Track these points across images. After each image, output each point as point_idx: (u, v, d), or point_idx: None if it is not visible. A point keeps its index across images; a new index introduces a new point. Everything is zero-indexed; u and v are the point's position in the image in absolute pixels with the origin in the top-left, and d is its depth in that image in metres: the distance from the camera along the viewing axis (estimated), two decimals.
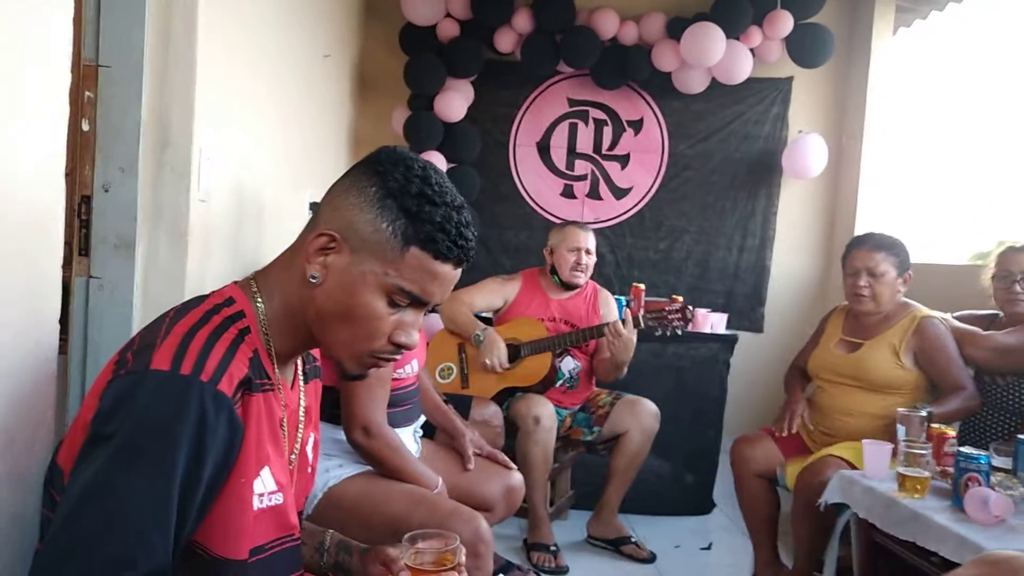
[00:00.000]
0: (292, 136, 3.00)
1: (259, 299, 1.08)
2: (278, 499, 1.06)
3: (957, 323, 2.60)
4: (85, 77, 1.78)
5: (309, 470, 1.24)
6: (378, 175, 1.03)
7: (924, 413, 2.17)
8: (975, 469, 1.84)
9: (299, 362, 1.19)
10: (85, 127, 1.79)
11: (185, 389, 0.92)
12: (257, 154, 2.54)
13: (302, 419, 1.17)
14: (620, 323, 2.87)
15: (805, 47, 4.20)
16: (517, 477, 2.22)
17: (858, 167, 4.47)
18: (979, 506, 1.76)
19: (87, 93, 1.78)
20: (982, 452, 1.88)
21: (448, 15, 4.29)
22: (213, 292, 1.09)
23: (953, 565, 1.65)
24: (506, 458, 2.26)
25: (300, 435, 1.17)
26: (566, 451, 3.21)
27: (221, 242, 2.18)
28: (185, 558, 0.97)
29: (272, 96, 2.67)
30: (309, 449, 1.23)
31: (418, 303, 1.05)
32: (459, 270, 1.07)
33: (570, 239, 3.13)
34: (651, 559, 3.01)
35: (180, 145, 1.91)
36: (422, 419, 2.17)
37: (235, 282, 1.12)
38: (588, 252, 3.14)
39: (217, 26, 2.02)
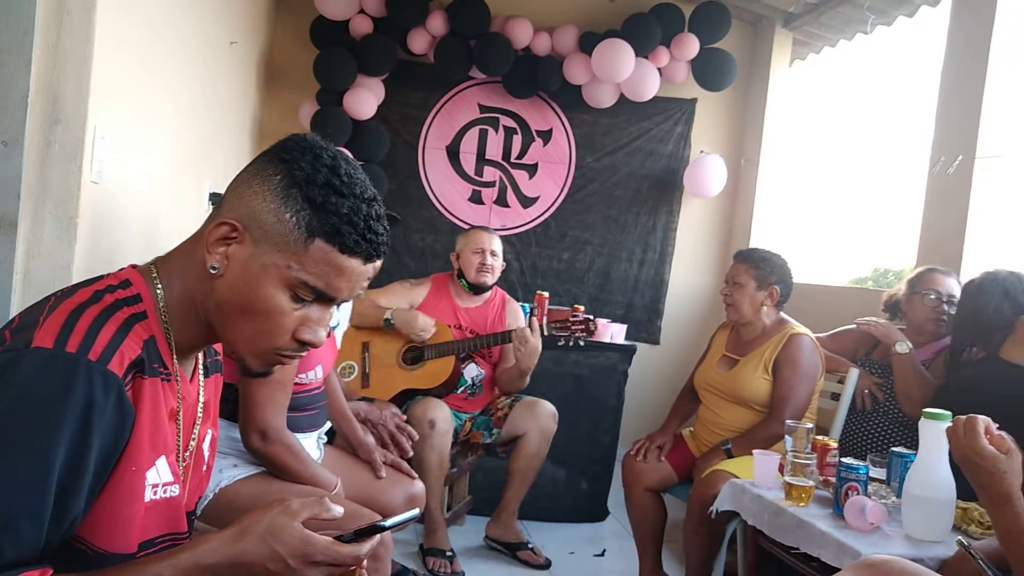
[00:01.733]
0: (194, 122, 2.87)
1: (159, 286, 1.02)
2: (174, 491, 1.01)
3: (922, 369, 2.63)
4: None
5: (204, 468, 1.18)
6: (284, 163, 0.99)
7: (809, 426, 2.28)
8: (855, 479, 1.95)
9: (200, 355, 1.13)
10: None
11: (71, 367, 0.86)
12: (156, 138, 2.42)
13: (200, 414, 1.12)
14: (527, 329, 2.89)
15: (709, 71, 4.36)
16: (420, 486, 2.19)
17: (754, 189, 4.68)
18: (857, 514, 1.86)
19: None
20: (861, 463, 1.99)
21: (362, 11, 4.21)
22: (108, 274, 1.03)
23: (832, 569, 1.74)
24: (409, 467, 2.23)
25: (196, 431, 1.11)
26: (465, 456, 3.20)
27: (114, 227, 2.06)
28: (65, 556, 0.90)
29: (174, 78, 2.55)
30: (206, 447, 1.17)
31: (324, 299, 1.01)
32: (370, 266, 1.03)
33: (474, 241, 3.14)
34: (546, 565, 3.04)
35: (73, 122, 1.79)
36: (327, 425, 2.11)
37: (133, 265, 1.05)
38: (493, 254, 3.15)
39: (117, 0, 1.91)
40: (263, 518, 0.94)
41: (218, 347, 1.24)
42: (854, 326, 2.98)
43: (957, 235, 3.10)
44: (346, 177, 0.99)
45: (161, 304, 1.02)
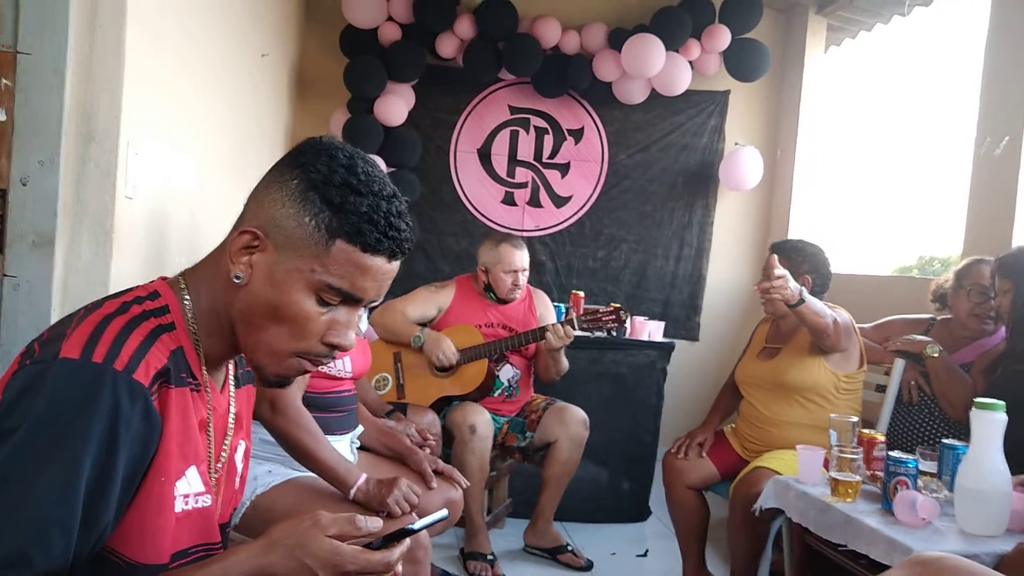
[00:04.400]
0: (227, 135, 2.91)
1: (187, 297, 1.03)
2: (206, 501, 1.00)
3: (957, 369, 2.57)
4: (2, 64, 1.68)
5: (238, 480, 1.18)
6: (300, 167, 0.98)
7: (855, 419, 2.22)
8: (904, 473, 1.89)
9: (231, 365, 1.14)
10: (2, 117, 1.70)
11: (97, 377, 0.86)
12: (190, 152, 2.45)
13: (231, 425, 1.12)
14: (562, 325, 2.87)
15: (742, 61, 4.29)
16: (458, 490, 2.18)
17: (791, 179, 4.59)
18: (907, 509, 1.80)
19: (4, 81, 1.69)
20: (911, 456, 1.93)
21: (390, 18, 4.24)
22: (137, 286, 1.03)
23: (881, 567, 1.69)
24: (460, 475, 2.21)
25: (228, 442, 1.11)
26: (503, 459, 3.19)
27: (150, 242, 2.09)
28: (97, 567, 0.90)
29: (206, 92, 2.58)
30: (239, 458, 1.17)
31: (350, 300, 1.00)
32: (394, 264, 1.01)
33: (506, 261, 3.06)
34: (588, 567, 3.01)
35: (106, 139, 1.83)
36: (360, 429, 2.12)
37: (163, 277, 1.06)
38: (524, 270, 3.09)
39: (147, 16, 1.94)
40: (292, 531, 0.94)
41: None
42: (898, 317, 2.91)
43: (1006, 219, 2.99)
44: (363, 176, 0.98)
45: (190, 315, 1.02)
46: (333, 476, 1.83)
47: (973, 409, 1.78)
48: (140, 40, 1.90)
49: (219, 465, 1.08)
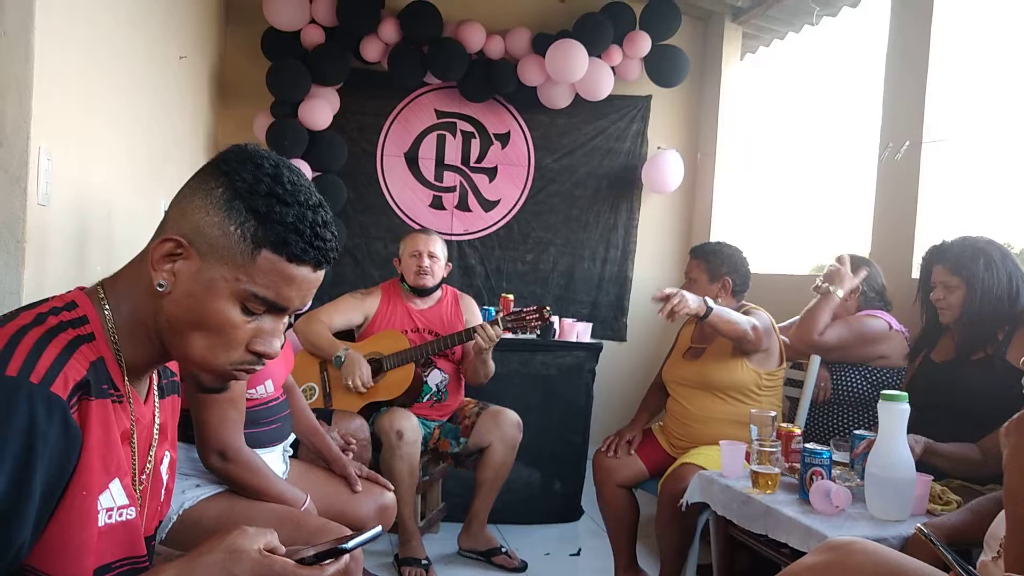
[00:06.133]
0: (146, 139, 2.83)
1: (106, 307, 1.01)
2: (130, 514, 0.99)
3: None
4: None
5: (164, 491, 1.16)
6: (225, 175, 0.97)
7: (773, 413, 2.31)
8: (819, 464, 1.98)
9: (155, 375, 1.12)
10: None
11: (11, 391, 0.84)
12: (107, 156, 2.38)
13: (156, 436, 1.10)
14: (490, 324, 2.89)
15: (662, 67, 4.41)
16: (390, 497, 2.17)
17: (712, 182, 4.73)
18: (822, 498, 1.89)
19: None
20: (824, 447, 2.02)
21: (312, 21, 4.19)
22: (53, 296, 1.01)
23: (800, 554, 1.77)
24: (384, 479, 2.22)
25: (153, 453, 1.09)
26: (435, 464, 3.19)
27: (64, 251, 2.02)
28: None
29: (122, 95, 2.51)
30: (164, 469, 1.15)
31: (275, 309, 1.00)
32: (320, 273, 1.02)
33: (410, 245, 3.11)
34: (522, 568, 3.04)
35: (15, 144, 1.76)
36: (291, 438, 2.09)
37: (81, 288, 1.04)
38: (431, 256, 3.10)
39: (56, 18, 1.88)
40: (220, 543, 0.93)
41: (174, 367, 1.22)
42: None
43: (908, 219, 3.16)
44: (289, 185, 0.98)
45: (110, 325, 1.00)
46: (281, 504, 1.83)
47: (880, 401, 1.88)
48: (50, 44, 1.83)
49: (144, 477, 1.06)
